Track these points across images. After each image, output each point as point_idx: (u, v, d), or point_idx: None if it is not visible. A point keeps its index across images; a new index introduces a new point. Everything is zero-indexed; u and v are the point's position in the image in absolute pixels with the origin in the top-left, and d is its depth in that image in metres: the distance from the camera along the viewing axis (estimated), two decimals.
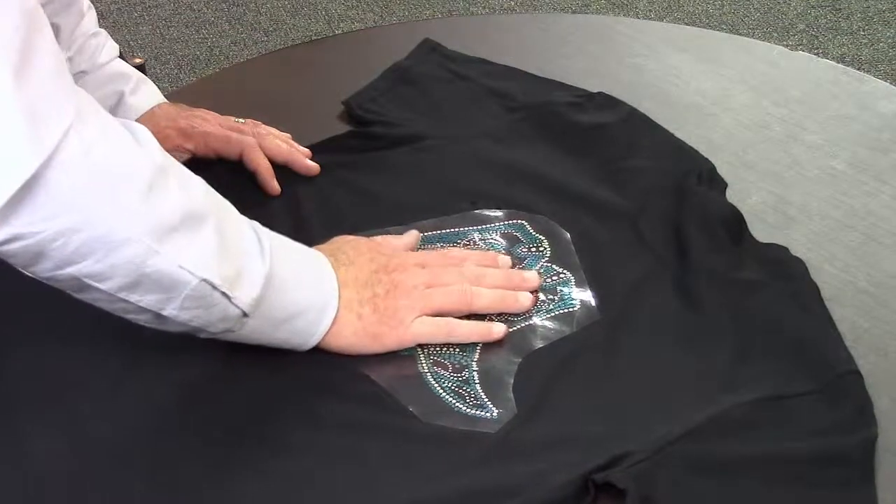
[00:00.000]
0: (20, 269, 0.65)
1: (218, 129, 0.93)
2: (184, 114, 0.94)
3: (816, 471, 0.67)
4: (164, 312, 0.68)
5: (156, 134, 0.83)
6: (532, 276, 0.81)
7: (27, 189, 0.60)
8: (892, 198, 0.90)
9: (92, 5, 0.98)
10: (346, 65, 1.07)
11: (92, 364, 0.75)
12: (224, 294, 0.68)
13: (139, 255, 0.64)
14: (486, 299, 0.78)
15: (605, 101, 0.98)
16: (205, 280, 0.67)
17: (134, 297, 0.67)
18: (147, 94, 0.96)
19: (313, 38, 2.36)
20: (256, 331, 0.72)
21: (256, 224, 0.73)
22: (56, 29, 0.91)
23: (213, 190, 0.71)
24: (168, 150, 0.82)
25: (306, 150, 0.94)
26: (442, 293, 0.77)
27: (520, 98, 1.00)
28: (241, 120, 0.95)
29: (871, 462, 0.68)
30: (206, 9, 2.48)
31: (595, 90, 1.00)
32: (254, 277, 0.69)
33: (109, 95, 0.94)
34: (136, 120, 0.93)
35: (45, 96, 0.61)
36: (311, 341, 0.74)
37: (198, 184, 0.70)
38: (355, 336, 0.74)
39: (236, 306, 0.69)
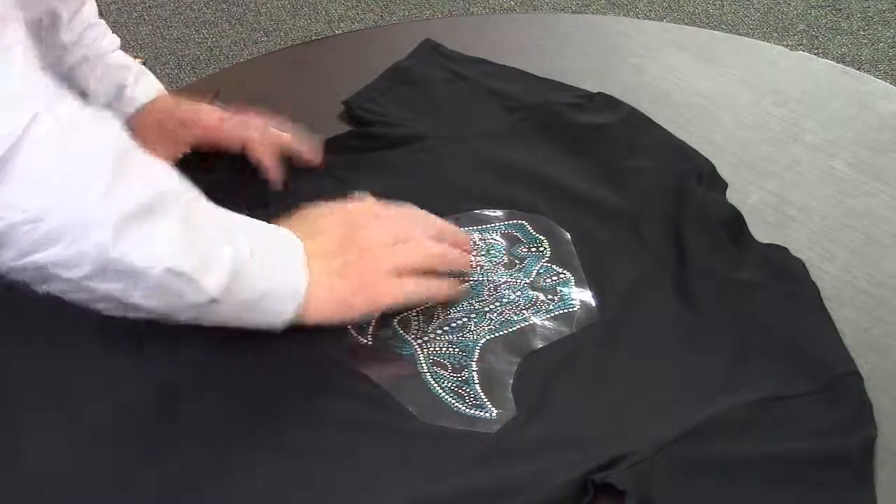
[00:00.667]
0: None
1: (219, 121, 0.93)
2: (184, 106, 0.94)
3: (816, 471, 0.67)
4: (131, 300, 0.68)
5: (155, 126, 0.83)
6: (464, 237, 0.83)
7: None
8: (892, 198, 0.90)
9: None
10: (346, 65, 1.07)
11: (90, 361, 0.75)
12: (190, 280, 0.68)
13: (106, 241, 0.64)
14: (452, 257, 0.80)
15: (606, 102, 0.98)
16: (170, 268, 0.67)
17: (100, 286, 0.66)
18: (148, 86, 0.96)
19: (313, 38, 2.36)
20: (227, 315, 0.71)
21: (220, 208, 0.73)
22: (55, 16, 0.91)
23: (180, 176, 0.71)
24: (167, 143, 0.83)
25: (304, 148, 0.93)
26: (406, 250, 0.78)
27: (520, 98, 1.00)
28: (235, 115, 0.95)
29: (870, 463, 0.68)
30: (206, 9, 2.48)
31: (595, 90, 1.00)
32: (221, 263, 0.69)
33: (110, 86, 0.94)
34: (137, 111, 0.94)
35: (12, 84, 0.61)
36: (284, 319, 0.73)
37: (163, 170, 0.70)
38: (329, 309, 0.75)
39: (205, 292, 0.68)
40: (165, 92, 0.96)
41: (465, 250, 0.82)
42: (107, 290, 0.67)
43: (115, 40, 0.98)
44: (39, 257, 0.63)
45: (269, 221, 0.76)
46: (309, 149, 0.92)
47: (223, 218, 0.72)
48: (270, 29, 2.43)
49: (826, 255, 0.84)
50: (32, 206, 0.61)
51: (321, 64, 1.10)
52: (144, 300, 0.68)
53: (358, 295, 0.75)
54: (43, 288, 0.67)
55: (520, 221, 0.87)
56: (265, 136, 0.92)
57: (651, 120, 0.96)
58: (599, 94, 0.99)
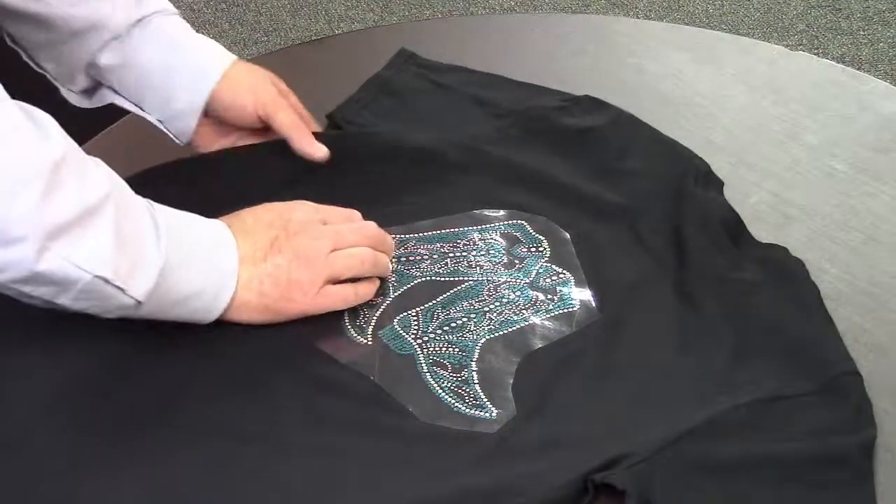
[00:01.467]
0: None
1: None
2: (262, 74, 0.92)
3: (816, 472, 0.67)
4: (58, 301, 0.68)
5: (263, 93, 0.84)
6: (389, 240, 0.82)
7: None
8: (892, 198, 0.90)
9: None
10: (346, 65, 1.07)
11: (89, 359, 0.75)
12: (118, 287, 0.68)
13: (32, 253, 0.64)
14: (382, 264, 0.80)
15: (591, 104, 0.98)
16: (98, 276, 0.67)
17: (26, 289, 0.67)
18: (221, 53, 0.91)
19: (313, 38, 2.36)
20: (152, 313, 0.72)
21: (152, 204, 0.72)
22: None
23: (113, 173, 0.70)
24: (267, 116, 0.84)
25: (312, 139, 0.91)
26: (344, 259, 0.78)
27: (505, 105, 0.99)
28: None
29: (870, 463, 0.68)
30: (206, 9, 2.48)
31: (595, 90, 1.00)
32: (148, 269, 0.69)
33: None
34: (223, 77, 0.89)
35: None
36: (210, 318, 0.74)
37: (97, 174, 0.69)
38: (257, 312, 0.75)
39: (131, 297, 0.69)
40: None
41: (389, 254, 0.82)
42: (34, 293, 0.68)
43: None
44: None
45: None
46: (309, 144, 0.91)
47: (154, 217, 0.71)
48: (270, 29, 2.43)
49: (826, 255, 0.84)
50: None
51: (321, 64, 1.10)
52: (72, 303, 0.69)
53: (288, 302, 0.76)
54: None
55: (519, 222, 0.87)
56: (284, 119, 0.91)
57: (640, 121, 0.96)
58: (584, 97, 0.99)
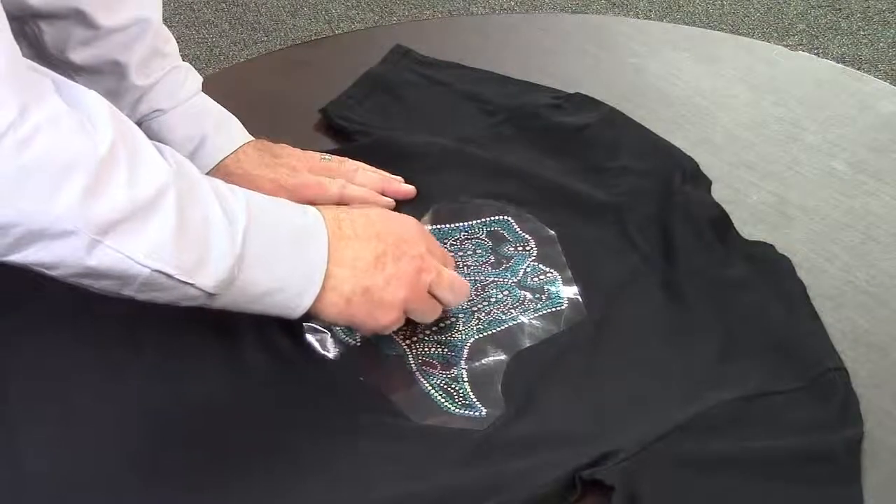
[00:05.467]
0: None
1: (309, 176, 0.88)
2: (269, 160, 0.89)
3: (802, 467, 0.67)
4: (123, 293, 0.67)
5: (247, 183, 0.80)
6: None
7: None
8: (892, 198, 0.90)
9: (171, 36, 0.92)
10: (346, 65, 1.07)
11: (89, 363, 0.75)
12: (183, 282, 0.66)
13: (83, 248, 0.62)
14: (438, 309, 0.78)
15: (584, 102, 0.98)
16: (158, 271, 0.65)
17: (87, 282, 0.65)
18: (231, 134, 0.90)
19: (313, 38, 2.36)
20: (230, 304, 0.70)
21: (238, 195, 0.69)
22: (119, 65, 0.87)
23: (178, 157, 0.68)
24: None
25: (398, 177, 0.91)
26: (431, 307, 0.76)
27: (497, 102, 0.99)
28: (326, 157, 0.91)
29: (856, 459, 0.68)
30: (206, 9, 2.48)
31: (595, 90, 1.00)
32: (219, 260, 0.67)
33: (190, 138, 0.88)
34: (221, 161, 0.88)
35: None
36: (293, 315, 0.72)
37: (155, 169, 0.65)
38: (338, 317, 0.73)
39: (200, 289, 0.67)
40: (249, 137, 0.90)
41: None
42: (96, 286, 0.66)
43: (196, 83, 0.92)
44: (18, 258, 0.63)
45: None
46: (399, 190, 0.90)
47: (231, 206, 0.68)
48: (270, 29, 2.43)
49: (826, 255, 0.84)
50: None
51: (321, 64, 1.10)
52: (136, 294, 0.67)
53: (369, 319, 0.74)
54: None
55: (506, 218, 0.87)
56: (355, 180, 0.89)
57: (631, 119, 0.96)
58: (577, 94, 0.99)
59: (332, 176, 0.89)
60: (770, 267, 0.81)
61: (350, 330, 0.78)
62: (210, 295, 0.68)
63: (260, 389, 0.74)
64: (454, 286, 0.77)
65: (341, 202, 0.87)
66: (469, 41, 1.09)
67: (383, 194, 0.89)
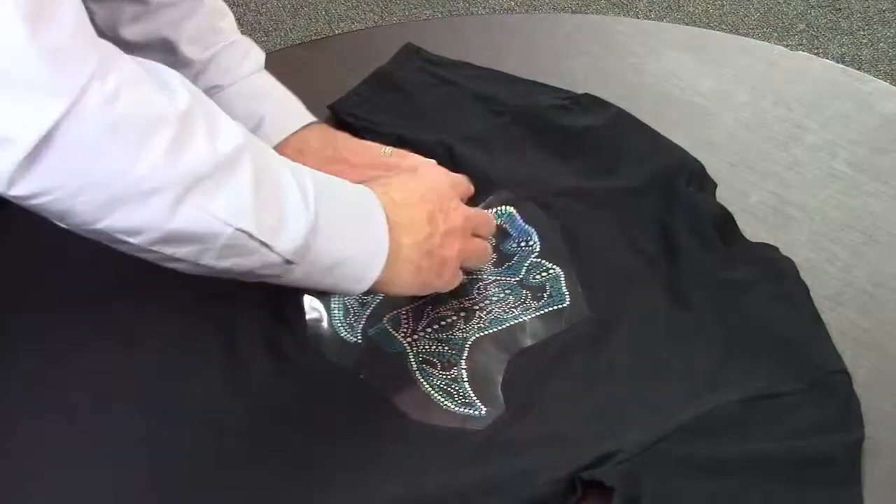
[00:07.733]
0: (56, 222, 0.63)
1: (369, 171, 0.86)
2: (330, 151, 0.88)
3: (802, 471, 0.67)
4: (202, 262, 0.66)
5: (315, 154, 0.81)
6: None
7: (48, 140, 0.57)
8: (892, 198, 0.90)
9: (229, 12, 0.91)
10: (346, 65, 1.07)
11: (89, 363, 0.75)
12: (263, 243, 0.66)
13: (168, 207, 0.62)
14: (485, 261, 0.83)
15: (591, 103, 0.98)
16: (240, 230, 0.64)
17: (168, 250, 0.64)
18: (289, 117, 0.89)
19: (313, 38, 2.36)
20: (304, 277, 0.70)
21: (302, 168, 0.70)
22: (170, 41, 0.87)
23: (251, 135, 0.68)
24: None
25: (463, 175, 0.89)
26: (476, 247, 0.79)
27: (505, 101, 0.99)
28: (387, 150, 0.89)
29: (857, 462, 0.68)
30: None
31: (595, 90, 1.00)
32: (295, 225, 0.67)
33: (250, 115, 0.87)
34: (278, 144, 0.87)
35: (64, 46, 0.58)
36: (361, 288, 0.72)
37: (232, 129, 0.66)
38: (408, 285, 0.74)
39: (278, 254, 0.67)
40: (311, 118, 0.89)
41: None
42: (177, 254, 0.65)
43: (257, 60, 0.91)
44: (103, 225, 0.62)
45: None
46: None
47: (301, 179, 0.68)
48: (270, 29, 2.43)
49: (826, 255, 0.84)
50: (87, 174, 0.59)
51: (321, 64, 1.10)
52: (217, 262, 0.66)
53: (436, 277, 0.76)
54: (116, 247, 0.65)
55: (509, 208, 0.87)
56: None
57: (638, 120, 0.96)
58: (585, 95, 0.99)
59: (392, 173, 0.87)
60: (773, 269, 0.81)
61: (351, 327, 0.78)
62: (287, 263, 0.67)
63: (260, 388, 0.74)
64: (480, 222, 0.81)
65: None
66: (469, 41, 1.09)
67: None
